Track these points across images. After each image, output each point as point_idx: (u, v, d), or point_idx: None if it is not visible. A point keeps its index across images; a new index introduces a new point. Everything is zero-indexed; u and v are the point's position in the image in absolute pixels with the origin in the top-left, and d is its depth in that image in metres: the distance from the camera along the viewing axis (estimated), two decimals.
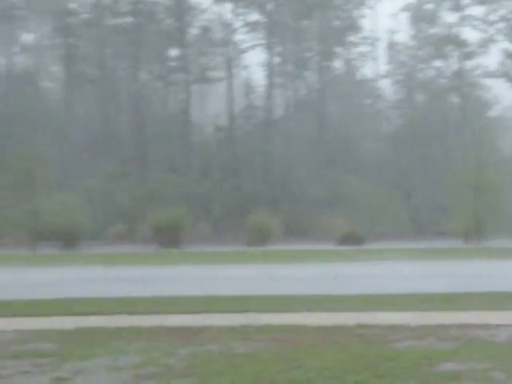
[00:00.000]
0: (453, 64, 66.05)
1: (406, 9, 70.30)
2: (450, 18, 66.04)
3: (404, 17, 70.76)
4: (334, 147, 61.31)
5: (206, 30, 64.88)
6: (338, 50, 68.06)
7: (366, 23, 68.24)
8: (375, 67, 70.34)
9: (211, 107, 69.46)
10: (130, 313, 13.06)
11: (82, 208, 45.82)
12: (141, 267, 26.31)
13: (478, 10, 65.20)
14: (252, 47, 65.63)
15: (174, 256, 34.68)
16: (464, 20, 65.24)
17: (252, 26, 64.33)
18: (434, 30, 67.45)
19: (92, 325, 11.62)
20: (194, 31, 65.36)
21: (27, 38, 66.49)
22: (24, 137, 50.36)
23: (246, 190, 55.31)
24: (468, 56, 64.69)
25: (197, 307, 13.66)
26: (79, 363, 8.70)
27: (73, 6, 64.02)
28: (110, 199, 52.37)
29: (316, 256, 31.49)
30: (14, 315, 13.05)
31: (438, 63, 67.85)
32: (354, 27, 66.64)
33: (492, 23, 65.10)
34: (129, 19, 62.55)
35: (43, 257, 34.79)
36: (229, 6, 63.76)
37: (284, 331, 10.83)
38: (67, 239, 42.65)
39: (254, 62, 66.10)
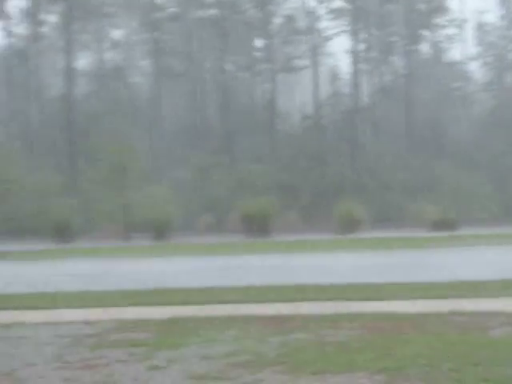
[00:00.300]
0: None
1: None
2: None
3: None
4: (423, 132, 60.40)
5: (289, 18, 64.85)
6: (425, 33, 66.84)
7: (452, 4, 66.80)
8: (463, 49, 68.85)
9: (297, 96, 69.47)
10: (222, 302, 13.20)
11: (173, 199, 46.51)
12: (233, 257, 26.52)
13: None
14: (336, 34, 65.20)
15: (265, 245, 34.75)
16: None
17: (336, 13, 63.88)
18: None
19: (185, 314, 11.80)
20: (277, 20, 65.43)
21: (116, 34, 67.75)
22: (115, 131, 51.49)
23: (333, 178, 55.05)
24: None
25: (288, 296, 13.69)
26: (173, 352, 8.86)
27: (159, 0, 64.93)
28: (199, 190, 52.97)
29: (407, 243, 31.14)
30: (109, 305, 13.37)
31: None
32: (440, 9, 65.27)
33: None
34: (213, 11, 63.12)
35: (137, 248, 35.46)
36: None
37: (375, 319, 10.75)
38: (158, 230, 43.38)
39: (339, 49, 65.65)
